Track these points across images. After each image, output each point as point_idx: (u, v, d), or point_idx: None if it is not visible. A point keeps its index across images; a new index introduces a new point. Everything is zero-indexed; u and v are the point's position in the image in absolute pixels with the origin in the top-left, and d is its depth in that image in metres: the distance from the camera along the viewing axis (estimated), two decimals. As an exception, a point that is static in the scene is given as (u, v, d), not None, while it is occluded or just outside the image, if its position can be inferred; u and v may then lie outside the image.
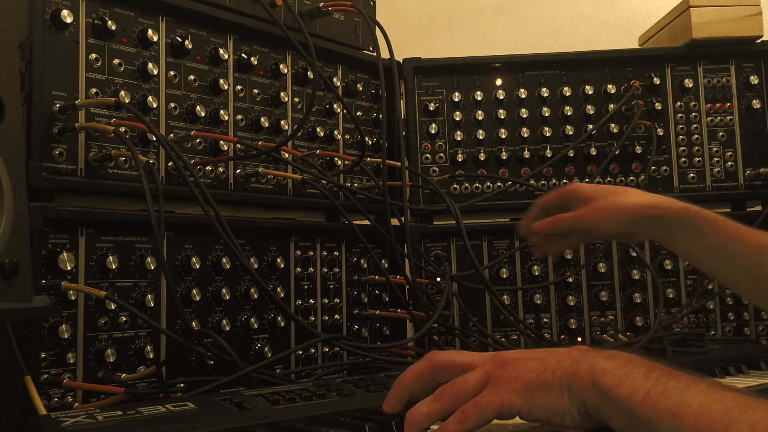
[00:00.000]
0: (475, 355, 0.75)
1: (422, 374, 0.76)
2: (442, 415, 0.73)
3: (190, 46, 1.19)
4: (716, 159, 1.64)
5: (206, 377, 1.11)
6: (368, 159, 1.43)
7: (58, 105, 1.03)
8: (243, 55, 1.27)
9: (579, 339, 1.57)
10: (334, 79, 1.44)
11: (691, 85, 1.65)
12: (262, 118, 1.28)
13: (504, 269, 1.56)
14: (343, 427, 0.80)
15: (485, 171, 1.61)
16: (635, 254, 1.58)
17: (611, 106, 1.63)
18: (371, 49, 1.48)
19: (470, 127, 1.62)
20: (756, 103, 1.64)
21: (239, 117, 1.26)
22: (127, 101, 1.08)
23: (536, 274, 1.57)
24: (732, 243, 1.03)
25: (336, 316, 1.37)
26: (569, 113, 1.62)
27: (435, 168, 1.61)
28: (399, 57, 1.56)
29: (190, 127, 1.19)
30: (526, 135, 1.61)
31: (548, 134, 1.62)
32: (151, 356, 1.08)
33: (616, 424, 0.65)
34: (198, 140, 1.19)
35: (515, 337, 1.54)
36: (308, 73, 1.36)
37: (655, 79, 1.64)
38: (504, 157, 1.60)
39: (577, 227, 1.08)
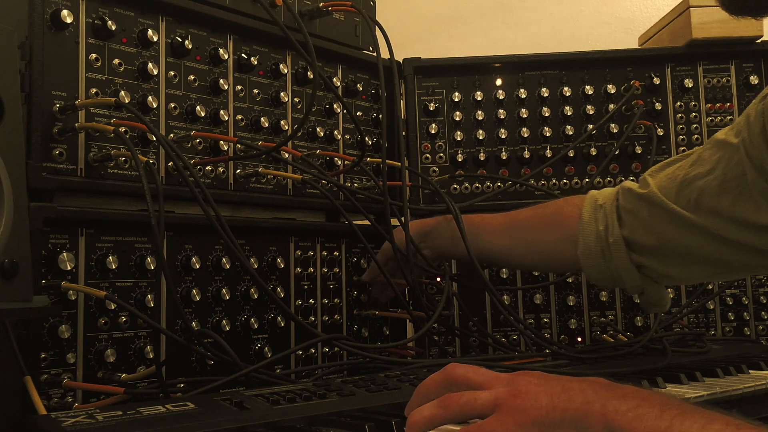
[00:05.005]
0: (491, 375, 0.75)
1: (438, 385, 0.77)
2: (443, 422, 0.73)
3: (190, 46, 1.19)
4: (716, 159, 1.64)
5: (206, 377, 1.11)
6: (368, 159, 1.43)
7: (58, 105, 1.03)
8: (243, 55, 1.27)
9: (579, 339, 1.57)
10: (334, 79, 1.44)
11: (691, 85, 1.65)
12: (262, 118, 1.28)
13: (504, 269, 1.56)
14: (343, 427, 0.80)
15: (485, 171, 1.61)
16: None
17: (611, 106, 1.62)
18: (371, 49, 1.48)
19: (470, 127, 1.62)
20: (756, 103, 1.64)
21: (239, 117, 1.26)
22: (127, 101, 1.08)
23: (536, 273, 1.57)
24: (487, 227, 1.34)
25: (336, 316, 1.37)
26: (569, 113, 1.62)
27: (435, 168, 1.61)
28: (399, 57, 1.56)
29: (190, 127, 1.19)
30: (526, 135, 1.61)
31: (548, 134, 1.61)
32: (151, 356, 1.08)
33: None
34: (198, 140, 1.19)
35: (515, 337, 1.54)
36: (308, 73, 1.36)
37: (655, 79, 1.64)
38: (504, 157, 1.60)
39: None
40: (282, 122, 1.31)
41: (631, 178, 1.61)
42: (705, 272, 1.18)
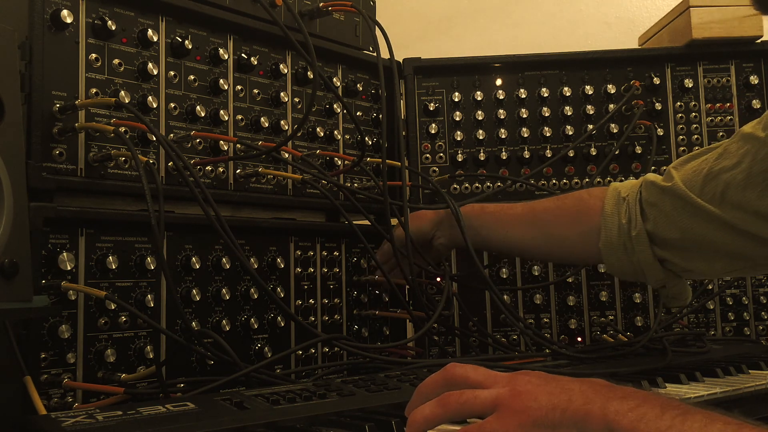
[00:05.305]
0: (490, 375, 0.75)
1: (438, 384, 0.77)
2: (443, 420, 0.73)
3: (190, 46, 1.18)
4: (716, 159, 1.64)
5: (206, 377, 1.11)
6: (368, 159, 1.43)
7: (58, 105, 1.03)
8: (243, 55, 1.27)
9: (579, 339, 1.57)
10: (334, 79, 1.44)
11: (691, 85, 1.65)
12: (262, 118, 1.28)
13: (504, 269, 1.56)
14: (343, 427, 0.80)
15: (485, 171, 1.61)
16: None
17: (611, 106, 1.62)
18: (371, 49, 1.48)
19: (470, 127, 1.62)
20: (756, 103, 1.64)
21: (239, 117, 1.26)
22: (127, 101, 1.08)
23: (536, 274, 1.57)
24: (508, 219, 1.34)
25: (336, 316, 1.37)
26: (569, 113, 1.62)
27: (435, 168, 1.61)
28: (399, 57, 1.56)
29: (190, 127, 1.19)
30: (526, 135, 1.61)
31: (548, 134, 1.61)
32: (151, 356, 1.08)
33: None
34: (198, 140, 1.19)
35: (515, 337, 1.54)
36: (308, 73, 1.36)
37: (655, 79, 1.64)
38: (504, 157, 1.60)
39: None
40: (282, 122, 1.31)
41: (631, 177, 1.61)
42: (729, 267, 1.17)
